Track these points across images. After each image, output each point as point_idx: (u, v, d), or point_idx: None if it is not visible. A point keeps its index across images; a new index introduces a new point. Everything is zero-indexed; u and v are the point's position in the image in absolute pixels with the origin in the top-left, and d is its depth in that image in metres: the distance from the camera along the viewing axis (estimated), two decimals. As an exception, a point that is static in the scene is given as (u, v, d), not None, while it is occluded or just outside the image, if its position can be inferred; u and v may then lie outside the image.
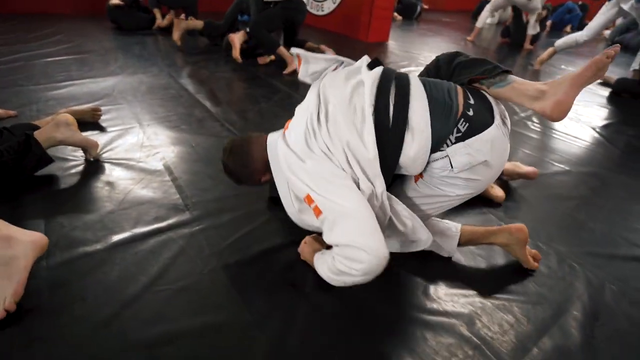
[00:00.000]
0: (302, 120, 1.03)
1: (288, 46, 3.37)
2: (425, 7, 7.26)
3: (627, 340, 1.04)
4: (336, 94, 1.03)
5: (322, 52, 3.88)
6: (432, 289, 1.15)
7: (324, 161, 0.97)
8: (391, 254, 0.93)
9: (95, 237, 1.21)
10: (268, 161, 1.10)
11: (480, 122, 0.98)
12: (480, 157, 0.97)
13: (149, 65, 2.99)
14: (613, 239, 1.46)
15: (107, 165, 1.63)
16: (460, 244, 1.24)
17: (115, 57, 3.08)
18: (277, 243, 1.28)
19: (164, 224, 1.31)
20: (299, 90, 2.74)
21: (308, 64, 1.23)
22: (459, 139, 0.97)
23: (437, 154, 0.99)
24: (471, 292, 1.15)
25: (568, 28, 7.00)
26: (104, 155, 1.70)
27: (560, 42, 3.66)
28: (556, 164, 2.03)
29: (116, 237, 1.22)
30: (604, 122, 2.73)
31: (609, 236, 1.48)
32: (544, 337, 1.02)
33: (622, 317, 1.11)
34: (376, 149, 0.96)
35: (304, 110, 1.07)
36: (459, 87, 1.05)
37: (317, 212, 0.94)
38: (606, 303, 1.15)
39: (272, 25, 3.21)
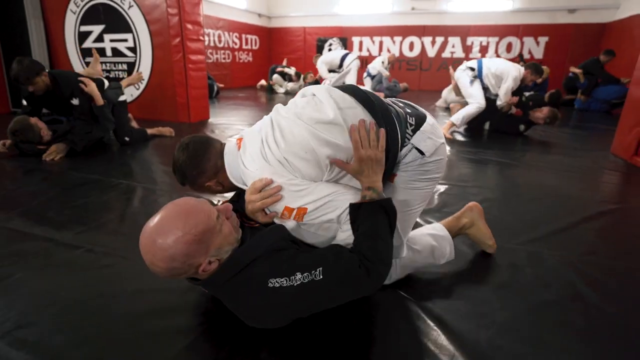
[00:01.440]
0: (257, 140, 1.04)
1: None
2: (221, 86, 7.59)
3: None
4: (293, 107, 1.08)
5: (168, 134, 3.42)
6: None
7: (283, 172, 0.98)
8: None
9: None
10: (219, 169, 1.10)
11: (419, 114, 1.12)
12: (439, 138, 1.12)
13: None
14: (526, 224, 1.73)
15: None
16: None
17: None
18: None
19: None
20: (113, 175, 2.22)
21: None
22: (414, 131, 1.08)
23: (404, 150, 1.09)
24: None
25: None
26: None
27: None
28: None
29: None
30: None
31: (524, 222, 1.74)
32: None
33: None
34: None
35: (256, 133, 1.07)
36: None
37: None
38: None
39: None
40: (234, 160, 1.07)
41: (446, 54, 8.98)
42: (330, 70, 6.56)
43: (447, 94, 5.71)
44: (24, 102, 2.91)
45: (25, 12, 4.26)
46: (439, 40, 8.97)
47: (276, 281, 0.85)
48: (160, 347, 0.95)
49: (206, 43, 7.77)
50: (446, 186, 2.23)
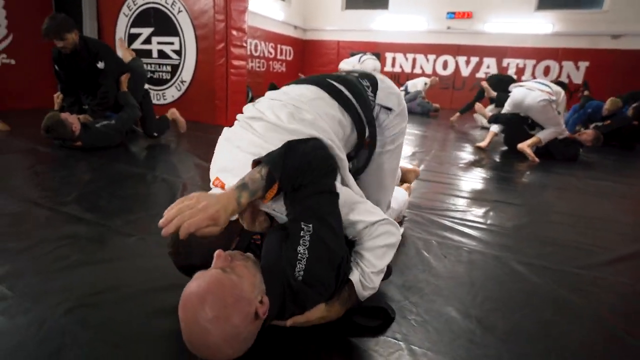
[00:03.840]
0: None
1: None
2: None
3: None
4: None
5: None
6: None
7: None
8: None
9: None
10: None
11: (366, 74, 1.24)
12: (396, 90, 1.27)
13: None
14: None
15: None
16: None
17: None
18: None
19: None
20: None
21: None
22: (373, 91, 1.20)
23: (375, 113, 1.22)
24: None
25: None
26: None
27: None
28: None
29: None
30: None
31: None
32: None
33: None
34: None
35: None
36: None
37: None
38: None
39: None
40: None
41: (480, 74, 8.86)
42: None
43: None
44: (56, 67, 2.92)
45: (83, 13, 4.49)
46: (474, 60, 8.87)
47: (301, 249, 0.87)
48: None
49: (243, 51, 7.98)
50: (495, 203, 2.15)
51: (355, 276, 0.96)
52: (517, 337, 1.03)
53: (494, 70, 8.75)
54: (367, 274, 0.96)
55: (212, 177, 1.02)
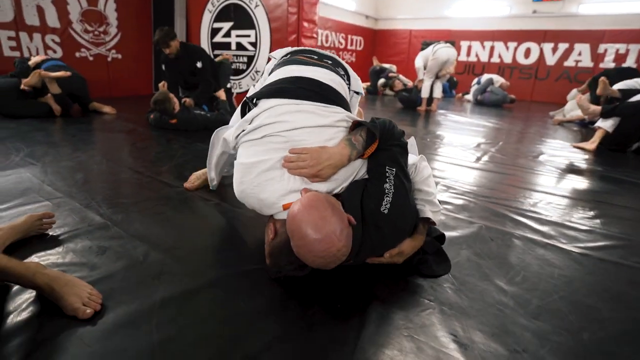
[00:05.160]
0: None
1: None
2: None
3: None
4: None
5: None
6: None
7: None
8: None
9: None
10: None
11: (338, 61, 1.43)
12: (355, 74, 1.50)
13: (70, 151, 2.40)
14: None
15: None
16: None
17: (14, 146, 2.40)
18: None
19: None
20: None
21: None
22: (348, 78, 1.41)
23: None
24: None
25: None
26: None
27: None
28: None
29: None
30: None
31: None
32: None
33: None
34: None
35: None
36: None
37: None
38: None
39: None
40: None
41: (569, 63, 8.04)
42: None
43: (571, 107, 5.13)
44: (163, 67, 3.60)
45: (175, 11, 5.06)
46: (562, 47, 8.05)
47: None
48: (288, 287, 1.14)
49: (314, 42, 8.23)
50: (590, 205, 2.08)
51: (425, 208, 1.21)
52: (550, 315, 1.07)
53: (586, 58, 7.88)
54: (431, 201, 1.22)
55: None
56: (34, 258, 1.19)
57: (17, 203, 1.57)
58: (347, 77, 1.40)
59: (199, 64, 3.44)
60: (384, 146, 1.12)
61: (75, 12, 4.46)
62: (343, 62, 1.45)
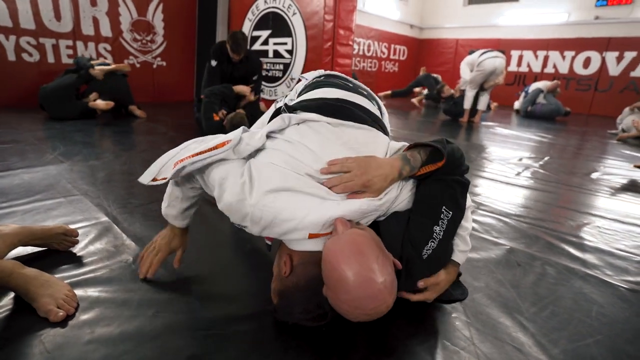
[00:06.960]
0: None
1: None
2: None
3: None
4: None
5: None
6: None
7: None
8: None
9: None
10: None
11: (375, 98, 1.26)
12: None
13: (100, 151, 2.50)
14: None
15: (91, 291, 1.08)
16: None
17: (52, 145, 2.54)
18: None
19: None
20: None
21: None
22: (381, 115, 1.22)
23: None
24: None
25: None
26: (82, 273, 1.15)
27: None
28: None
29: None
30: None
31: None
32: None
33: None
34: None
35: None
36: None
37: None
38: None
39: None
40: None
41: (637, 73, 7.29)
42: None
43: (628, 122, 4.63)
44: (213, 62, 3.66)
45: (217, 19, 5.24)
46: (629, 55, 7.31)
47: None
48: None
49: (355, 51, 8.18)
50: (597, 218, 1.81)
51: (457, 249, 1.02)
52: (580, 362, 0.88)
53: (657, 67, 7.10)
54: (464, 238, 1.02)
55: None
56: (19, 249, 1.18)
57: (33, 199, 1.63)
58: (380, 111, 1.22)
59: (254, 77, 3.81)
60: (443, 177, 0.96)
61: (126, 22, 4.75)
62: (375, 95, 1.30)
